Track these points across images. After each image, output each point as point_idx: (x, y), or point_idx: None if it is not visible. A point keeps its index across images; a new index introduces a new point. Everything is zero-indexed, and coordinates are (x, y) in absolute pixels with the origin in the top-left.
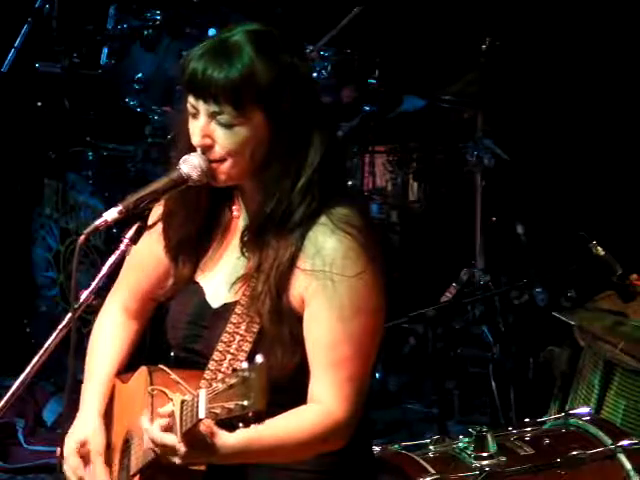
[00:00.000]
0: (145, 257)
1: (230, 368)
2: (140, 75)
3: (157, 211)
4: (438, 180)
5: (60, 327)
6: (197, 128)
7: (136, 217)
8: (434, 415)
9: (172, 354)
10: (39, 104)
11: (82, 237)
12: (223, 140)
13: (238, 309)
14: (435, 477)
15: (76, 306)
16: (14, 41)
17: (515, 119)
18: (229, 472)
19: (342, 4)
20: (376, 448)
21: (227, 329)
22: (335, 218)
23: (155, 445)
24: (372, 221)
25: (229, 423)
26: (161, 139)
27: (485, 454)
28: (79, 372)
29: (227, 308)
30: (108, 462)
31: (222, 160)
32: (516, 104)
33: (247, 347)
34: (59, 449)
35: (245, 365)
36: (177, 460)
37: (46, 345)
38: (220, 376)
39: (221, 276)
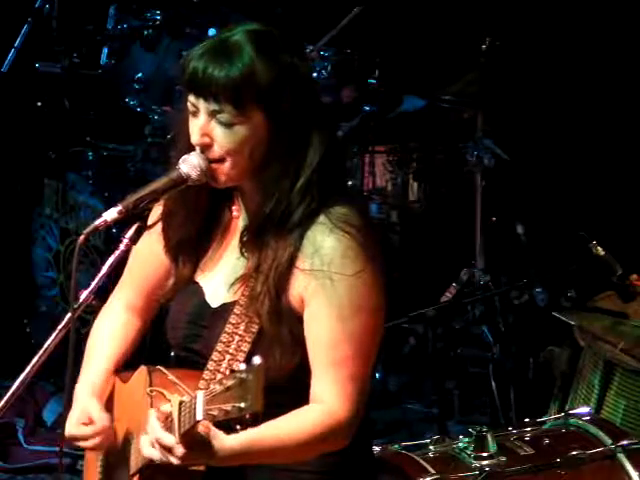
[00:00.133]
0: (146, 257)
1: (229, 368)
2: (140, 75)
3: (157, 211)
4: (438, 180)
5: (60, 327)
6: (197, 127)
7: (136, 217)
8: (434, 415)
9: (172, 354)
10: (39, 104)
11: (82, 237)
12: (222, 139)
13: (237, 309)
14: (435, 477)
15: (76, 306)
16: (14, 41)
17: (515, 119)
18: (229, 472)
19: (342, 4)
20: (376, 448)
21: (226, 329)
22: (334, 217)
23: (154, 444)
24: (371, 221)
25: (228, 425)
26: (161, 139)
27: (485, 454)
28: (79, 372)
29: (226, 308)
30: (108, 461)
31: (221, 160)
32: (516, 104)
33: (246, 347)
34: (65, 430)
35: (242, 366)
36: (175, 461)
37: (46, 345)
38: (219, 376)
39: (221, 276)
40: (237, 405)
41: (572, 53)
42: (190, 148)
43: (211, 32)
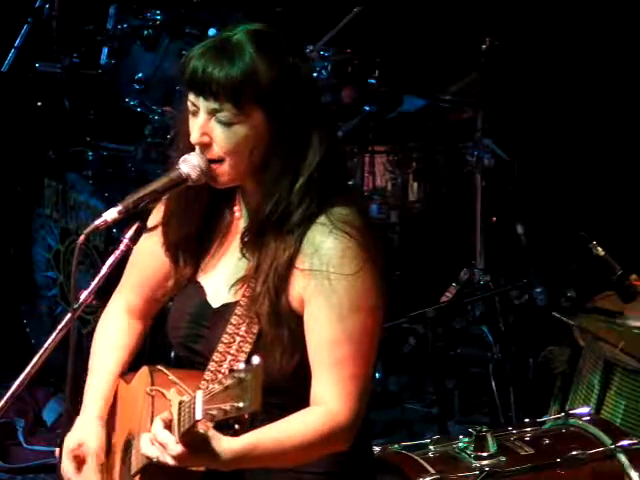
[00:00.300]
0: (146, 258)
1: (230, 369)
2: (140, 75)
3: (158, 212)
4: (438, 180)
5: (60, 327)
6: (196, 125)
7: (136, 217)
8: (434, 415)
9: (172, 354)
10: (39, 104)
11: (82, 237)
12: (222, 139)
13: (238, 310)
14: (435, 477)
15: (76, 306)
16: (14, 41)
17: (515, 119)
18: (228, 472)
19: (342, 4)
20: (376, 448)
21: (227, 330)
22: (334, 218)
23: (154, 442)
24: (372, 222)
25: (227, 424)
26: (161, 139)
27: (485, 454)
28: (79, 372)
29: (227, 309)
30: (109, 461)
31: (220, 160)
32: (516, 104)
33: (247, 348)
34: (58, 450)
35: (241, 366)
36: (172, 461)
37: (46, 345)
38: (220, 377)
39: (222, 276)
40: (236, 405)
41: (572, 53)
42: (190, 148)
43: (211, 32)
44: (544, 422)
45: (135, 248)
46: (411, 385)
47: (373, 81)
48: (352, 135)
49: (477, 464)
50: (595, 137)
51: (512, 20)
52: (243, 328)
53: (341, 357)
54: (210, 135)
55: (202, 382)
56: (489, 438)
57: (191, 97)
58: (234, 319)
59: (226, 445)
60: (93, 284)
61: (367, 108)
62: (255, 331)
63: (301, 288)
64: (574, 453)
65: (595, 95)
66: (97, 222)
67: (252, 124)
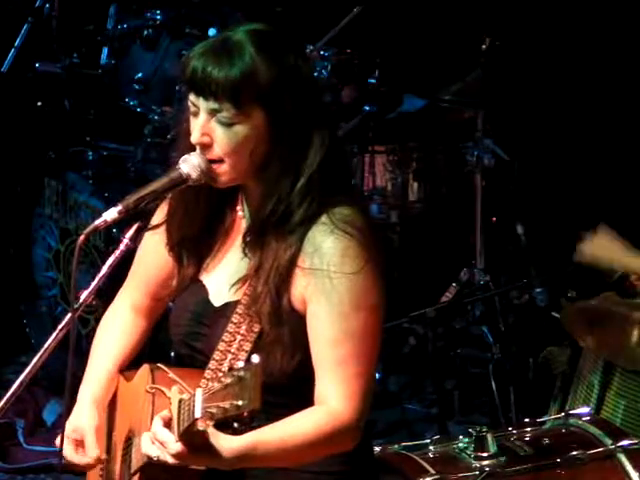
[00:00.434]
0: (150, 257)
1: (229, 368)
2: (140, 75)
3: (162, 211)
4: (438, 180)
5: (60, 327)
6: (197, 126)
7: (136, 217)
8: (434, 415)
9: (172, 353)
10: (39, 104)
11: (82, 237)
12: (222, 139)
13: (239, 309)
14: (435, 477)
15: (76, 306)
16: (14, 41)
17: (515, 119)
18: (229, 471)
19: (342, 4)
20: (376, 448)
21: (228, 329)
22: (335, 218)
23: (154, 441)
24: (373, 222)
25: (226, 423)
26: (161, 139)
27: (485, 454)
28: (79, 372)
29: (229, 307)
30: (110, 459)
31: (220, 160)
32: (516, 104)
33: (248, 347)
34: (59, 439)
35: (241, 365)
36: (171, 460)
37: (46, 345)
38: (220, 375)
39: (224, 275)
40: (235, 403)
41: (572, 53)
42: (191, 148)
43: (211, 32)
44: (544, 422)
45: (140, 246)
46: (411, 385)
47: (373, 81)
48: (352, 135)
49: (477, 464)
50: (595, 137)
51: (512, 20)
52: (244, 327)
53: (343, 356)
54: (210, 135)
55: (202, 380)
56: (489, 438)
57: (191, 97)
58: (235, 318)
59: (226, 444)
60: (93, 284)
61: (367, 108)
62: (256, 330)
63: (302, 287)
64: (574, 453)
65: (595, 95)
66: (97, 222)
67: (252, 124)
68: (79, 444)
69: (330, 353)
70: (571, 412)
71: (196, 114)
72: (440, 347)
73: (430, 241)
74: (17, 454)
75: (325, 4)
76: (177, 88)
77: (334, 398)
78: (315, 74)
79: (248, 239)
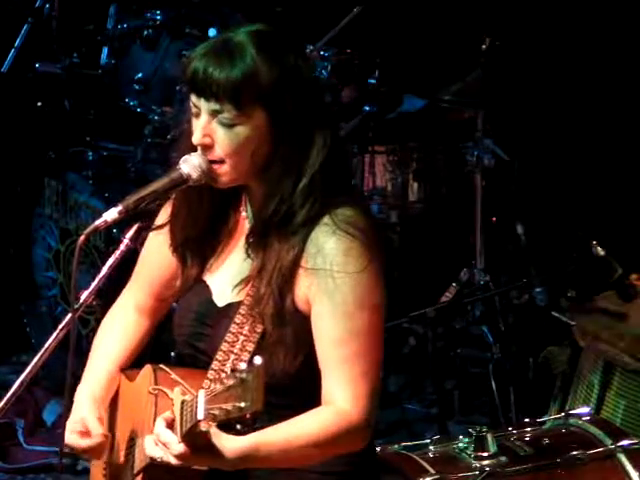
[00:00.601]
0: (154, 258)
1: (232, 369)
2: (140, 75)
3: (167, 210)
4: (438, 180)
5: (60, 327)
6: (198, 126)
7: (136, 217)
8: (434, 415)
9: (172, 353)
10: (39, 104)
11: (82, 237)
12: (223, 140)
13: (242, 309)
14: (435, 477)
15: (76, 306)
16: (14, 41)
17: (515, 119)
18: (231, 472)
19: (342, 4)
20: (376, 448)
21: (231, 329)
22: (338, 219)
23: (157, 442)
24: (376, 223)
25: (229, 425)
26: (161, 139)
27: (485, 454)
28: (79, 372)
29: (232, 308)
30: (112, 459)
31: (221, 161)
32: (516, 104)
33: (250, 348)
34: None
35: (243, 366)
36: (174, 461)
37: (46, 345)
38: (222, 377)
39: (227, 276)
40: (237, 405)
41: (572, 53)
42: (193, 149)
43: (211, 32)
44: (544, 422)
45: (144, 246)
46: (411, 385)
47: (373, 81)
48: (352, 135)
49: (477, 464)
50: (595, 137)
51: (512, 20)
52: (247, 327)
53: (349, 355)
54: (212, 136)
55: (205, 381)
56: (489, 438)
57: (193, 98)
58: (238, 318)
59: (229, 444)
60: (93, 284)
61: (367, 108)
62: (259, 331)
63: (306, 288)
64: (574, 453)
65: (595, 95)
66: (97, 222)
67: (254, 125)
68: (84, 434)
69: (335, 352)
70: (571, 412)
71: (197, 115)
72: (440, 347)
73: (430, 241)
74: (17, 454)
75: (325, 4)
76: (177, 88)
77: (341, 398)
78: (315, 74)
79: (251, 240)
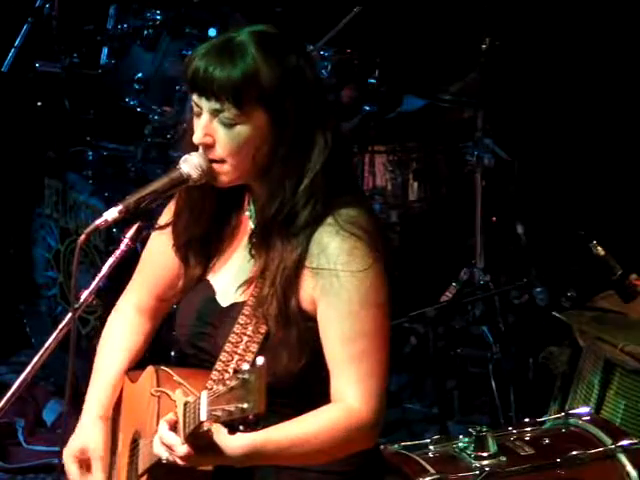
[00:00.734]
0: (158, 257)
1: (234, 370)
2: (140, 75)
3: (170, 210)
4: (438, 180)
5: (60, 327)
6: (199, 126)
7: (136, 217)
8: (434, 415)
9: (172, 353)
10: (39, 104)
11: (82, 237)
12: (224, 140)
13: (246, 310)
14: (435, 477)
15: (76, 306)
16: (14, 41)
17: (515, 119)
18: (236, 472)
19: (342, 4)
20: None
21: (235, 329)
22: (341, 219)
23: (161, 444)
24: (379, 223)
25: (232, 426)
26: (161, 139)
27: (485, 454)
28: (79, 372)
29: (235, 308)
30: (115, 461)
31: (222, 160)
32: (516, 104)
33: (254, 348)
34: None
35: (246, 367)
36: (180, 462)
37: (46, 345)
38: (225, 378)
39: (231, 276)
40: (240, 406)
41: (572, 53)
42: (195, 148)
43: (211, 32)
44: (544, 422)
45: (147, 246)
46: (411, 385)
47: (373, 81)
48: (352, 135)
49: (477, 464)
50: (595, 137)
51: (512, 20)
52: (250, 328)
53: (356, 353)
54: (213, 136)
55: (209, 382)
56: (489, 438)
57: (194, 97)
58: (242, 319)
59: (235, 442)
60: (93, 284)
61: (367, 108)
62: (263, 331)
63: (311, 288)
64: (574, 453)
65: (595, 95)
66: (98, 222)
67: (255, 125)
68: (84, 464)
69: (343, 351)
70: (571, 412)
71: (199, 114)
72: (440, 347)
73: (430, 241)
74: (17, 454)
75: (325, 4)
76: (177, 88)
77: (350, 396)
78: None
79: (254, 240)
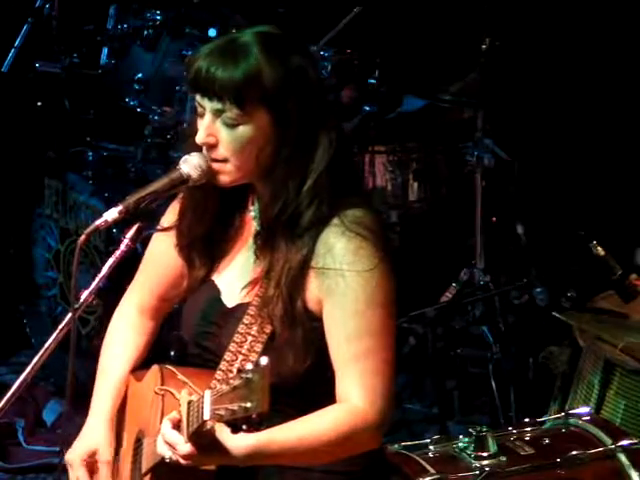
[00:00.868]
0: (161, 257)
1: (238, 370)
2: (140, 75)
3: (174, 211)
4: (438, 180)
5: (60, 327)
6: (202, 126)
7: (136, 217)
8: (434, 415)
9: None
10: (39, 104)
11: (82, 237)
12: (227, 140)
13: (251, 310)
14: (435, 477)
15: (76, 306)
16: (14, 41)
17: (515, 119)
18: (239, 472)
19: (342, 4)
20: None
21: (239, 329)
22: (347, 220)
23: (164, 443)
24: (385, 224)
25: (235, 425)
26: (161, 139)
27: (485, 454)
28: (79, 372)
29: (240, 308)
30: (119, 459)
31: (225, 161)
32: (516, 104)
33: (259, 348)
34: (61, 449)
35: (249, 366)
36: (183, 461)
37: (46, 345)
38: (229, 377)
39: (236, 276)
40: (243, 405)
41: (572, 53)
42: (199, 148)
43: (211, 32)
44: (544, 422)
45: (149, 246)
46: (411, 385)
47: (373, 81)
48: (352, 135)
49: (477, 464)
50: (595, 137)
51: (512, 20)
52: (255, 328)
53: (361, 352)
54: (216, 136)
55: (213, 381)
56: (489, 438)
57: (197, 97)
58: (246, 319)
59: (238, 441)
60: (93, 284)
61: (367, 108)
62: (267, 331)
63: (316, 289)
64: (574, 453)
65: (595, 95)
66: (98, 222)
67: (257, 125)
68: (91, 467)
69: (348, 351)
70: (571, 412)
71: (202, 115)
72: (440, 347)
73: (430, 241)
74: (17, 454)
75: (325, 4)
76: (177, 88)
77: (355, 395)
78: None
79: (259, 241)
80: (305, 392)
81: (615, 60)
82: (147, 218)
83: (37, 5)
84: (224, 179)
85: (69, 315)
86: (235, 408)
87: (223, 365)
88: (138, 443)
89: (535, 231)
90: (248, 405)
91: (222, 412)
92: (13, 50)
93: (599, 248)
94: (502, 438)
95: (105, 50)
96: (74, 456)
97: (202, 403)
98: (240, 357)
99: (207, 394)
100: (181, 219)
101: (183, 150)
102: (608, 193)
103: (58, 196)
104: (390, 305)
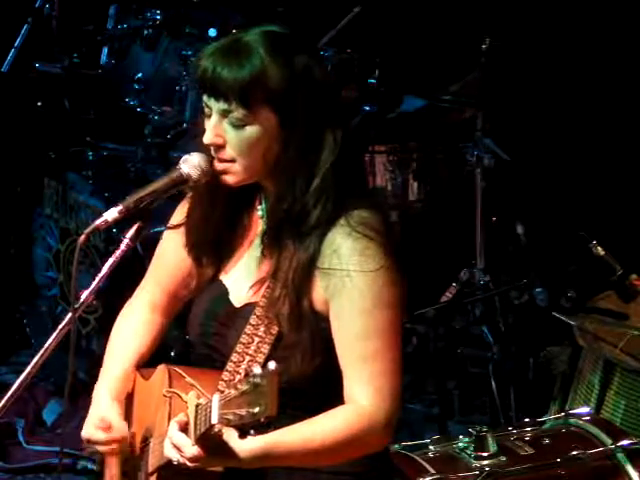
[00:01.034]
0: (171, 255)
1: (245, 374)
2: (140, 75)
3: (183, 209)
4: (438, 180)
5: (60, 327)
6: (209, 126)
7: (136, 217)
8: (434, 415)
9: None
10: (39, 104)
11: (82, 237)
12: (234, 140)
13: (257, 311)
14: (435, 477)
15: (76, 306)
16: (14, 41)
17: (515, 119)
18: (246, 473)
19: (342, 4)
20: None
21: (246, 330)
22: (354, 221)
23: (172, 445)
24: (391, 225)
25: (246, 432)
26: (161, 139)
27: (485, 454)
28: (79, 372)
29: (247, 309)
30: (128, 461)
31: (232, 161)
32: (516, 104)
33: (266, 349)
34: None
35: (257, 371)
36: (190, 464)
37: (46, 345)
38: (238, 377)
39: (243, 276)
40: (251, 410)
41: (572, 53)
42: (207, 149)
43: (211, 32)
44: (544, 422)
45: (160, 244)
46: (412, 385)
47: (373, 81)
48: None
49: (477, 464)
50: (595, 137)
51: (512, 20)
52: (262, 329)
53: (368, 352)
54: (223, 136)
55: (220, 382)
56: (489, 438)
57: (204, 98)
58: (253, 320)
59: (246, 445)
60: (93, 284)
61: (367, 108)
62: (274, 332)
63: (323, 289)
64: (574, 453)
65: (595, 95)
66: (98, 222)
67: (264, 125)
68: (106, 429)
69: (355, 351)
70: (571, 412)
71: (209, 115)
72: (441, 347)
73: (430, 241)
74: (17, 454)
75: (325, 4)
76: (177, 88)
77: (362, 396)
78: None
79: (266, 241)
80: (313, 393)
81: (615, 60)
82: (147, 218)
83: (37, 5)
84: (231, 179)
85: (69, 315)
86: (243, 413)
87: (230, 366)
88: (145, 442)
89: (535, 231)
90: (256, 410)
91: (230, 417)
92: (13, 50)
93: (599, 248)
94: (502, 438)
95: (105, 50)
96: (88, 425)
97: (210, 407)
98: (247, 358)
99: (215, 398)
100: (189, 218)
101: (182, 150)
102: (608, 193)
103: (58, 196)
104: (397, 305)
